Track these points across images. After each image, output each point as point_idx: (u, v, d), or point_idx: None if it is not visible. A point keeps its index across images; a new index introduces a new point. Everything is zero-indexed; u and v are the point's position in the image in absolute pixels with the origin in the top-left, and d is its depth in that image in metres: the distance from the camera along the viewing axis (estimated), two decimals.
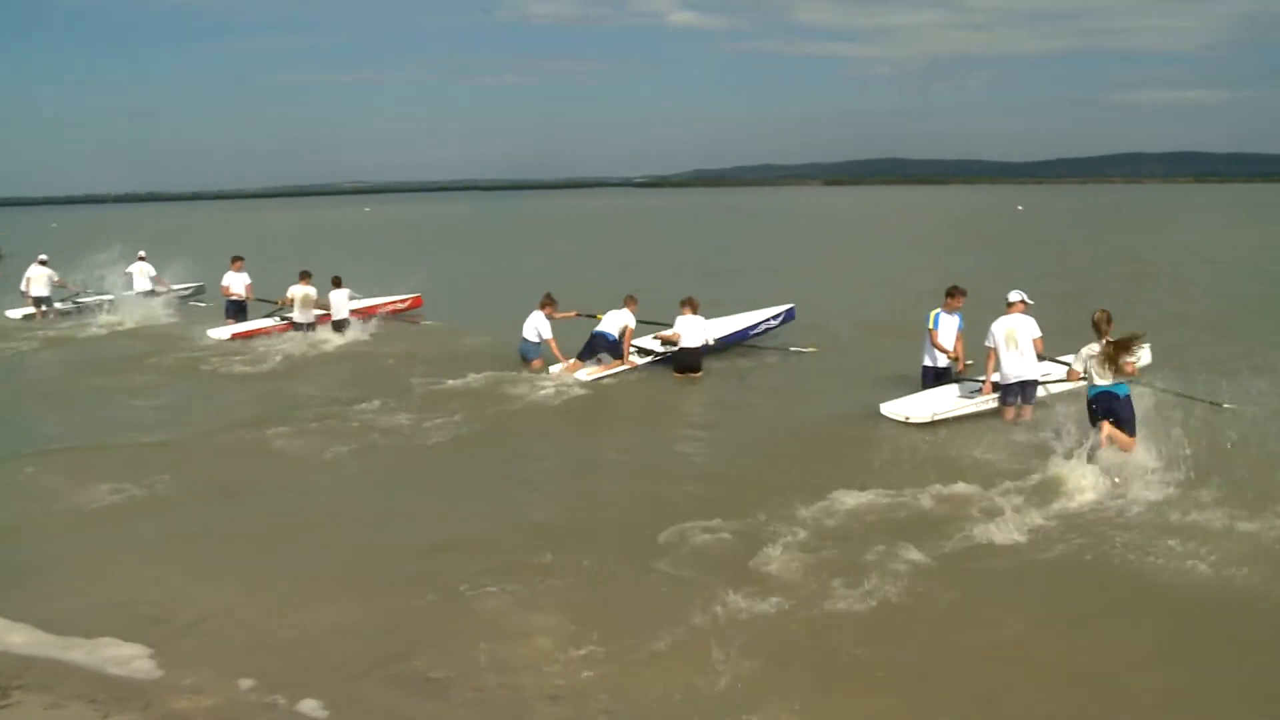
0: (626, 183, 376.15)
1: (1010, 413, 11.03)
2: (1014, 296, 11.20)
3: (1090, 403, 9.29)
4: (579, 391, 13.56)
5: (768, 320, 16.70)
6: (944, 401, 11.29)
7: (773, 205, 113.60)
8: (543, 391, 13.53)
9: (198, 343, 18.38)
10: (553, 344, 14.63)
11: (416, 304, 21.52)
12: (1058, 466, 9.31)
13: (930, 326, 12.02)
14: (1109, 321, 9.36)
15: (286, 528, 8.54)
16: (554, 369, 14.44)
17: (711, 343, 14.92)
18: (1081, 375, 9.48)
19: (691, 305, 14.37)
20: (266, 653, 6.23)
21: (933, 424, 10.94)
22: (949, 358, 11.95)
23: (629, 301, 15.04)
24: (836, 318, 19.08)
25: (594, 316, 15.61)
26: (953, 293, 12.07)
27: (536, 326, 14.69)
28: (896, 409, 11.18)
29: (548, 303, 14.99)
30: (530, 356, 14.73)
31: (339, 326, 18.64)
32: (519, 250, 45.00)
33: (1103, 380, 9.17)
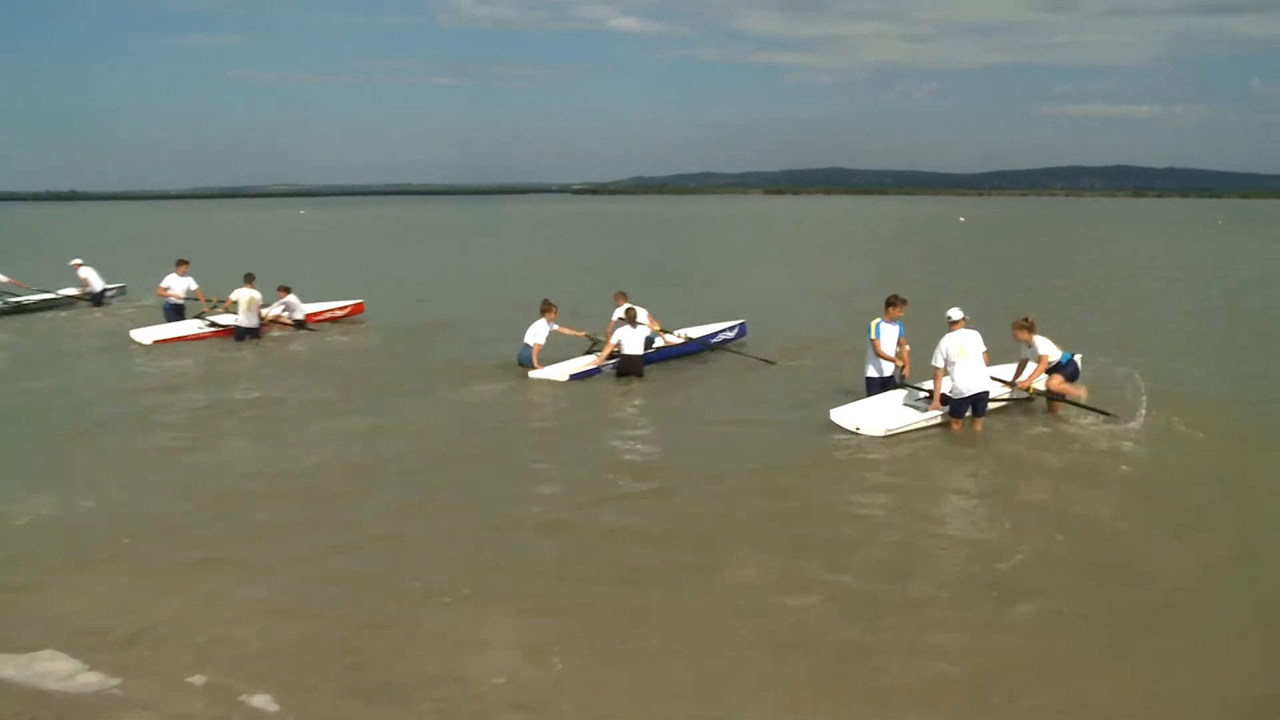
0: (565, 189, 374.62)
1: (958, 425, 11.14)
2: (955, 314, 11.41)
3: (1066, 366, 11.85)
4: (540, 398, 13.53)
5: (723, 334, 16.84)
6: (895, 415, 11.30)
7: (713, 213, 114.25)
8: (507, 396, 13.55)
9: (138, 345, 17.99)
10: (536, 350, 14.63)
11: (357, 310, 21.21)
12: (1008, 469, 9.59)
13: (872, 336, 12.17)
14: None
15: (236, 536, 8.26)
16: (532, 374, 14.39)
17: (679, 340, 15.74)
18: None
19: (631, 317, 14.47)
20: (217, 665, 6.02)
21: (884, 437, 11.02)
22: (895, 364, 12.13)
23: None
24: (782, 328, 19.11)
25: (596, 340, 15.30)
26: (892, 302, 12.25)
27: (534, 332, 14.69)
28: (846, 417, 11.22)
29: (547, 308, 14.92)
30: (527, 363, 14.68)
31: (300, 325, 19.08)
32: (461, 255, 44.66)
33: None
